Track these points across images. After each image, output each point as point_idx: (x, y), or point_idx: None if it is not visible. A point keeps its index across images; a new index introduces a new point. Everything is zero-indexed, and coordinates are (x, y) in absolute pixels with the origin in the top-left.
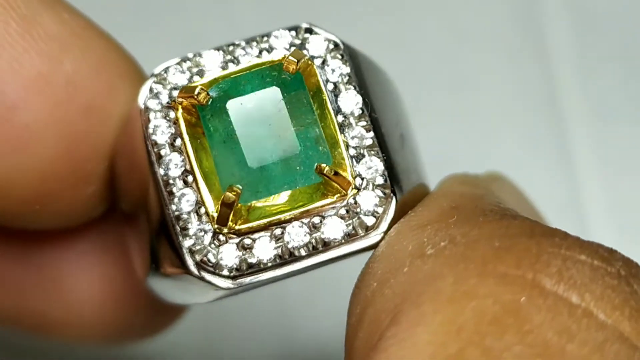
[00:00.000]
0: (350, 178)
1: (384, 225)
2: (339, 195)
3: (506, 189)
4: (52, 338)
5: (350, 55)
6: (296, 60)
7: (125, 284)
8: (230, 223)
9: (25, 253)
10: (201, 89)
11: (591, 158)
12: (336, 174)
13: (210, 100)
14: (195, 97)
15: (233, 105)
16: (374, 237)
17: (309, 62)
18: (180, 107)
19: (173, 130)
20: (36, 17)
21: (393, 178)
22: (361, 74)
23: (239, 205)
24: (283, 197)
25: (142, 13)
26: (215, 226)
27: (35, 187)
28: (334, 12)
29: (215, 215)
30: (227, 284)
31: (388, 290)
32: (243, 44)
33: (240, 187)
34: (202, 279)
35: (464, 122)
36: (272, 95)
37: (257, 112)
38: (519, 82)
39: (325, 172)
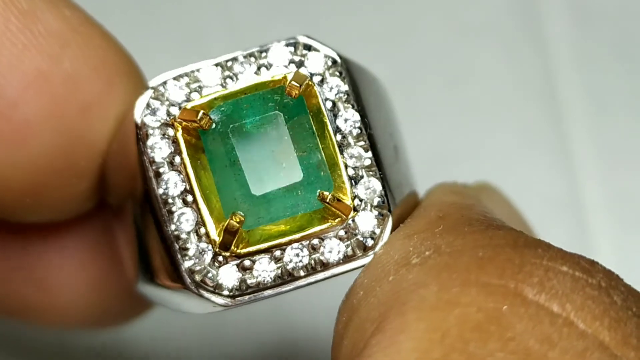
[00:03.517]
0: (349, 202)
1: (381, 244)
2: (339, 219)
3: (494, 198)
4: (31, 322)
5: (347, 70)
6: (299, 85)
7: (105, 272)
8: (232, 247)
9: (7, 238)
10: (204, 113)
11: (590, 152)
12: (338, 200)
13: (213, 124)
14: (198, 121)
15: (236, 131)
16: (371, 256)
17: (310, 83)
18: (180, 126)
19: (172, 149)
20: (37, 13)
21: (389, 196)
22: (359, 89)
23: (240, 230)
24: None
25: (141, 7)
26: (217, 249)
27: (30, 182)
28: (331, 7)
29: (217, 239)
30: (225, 301)
31: (373, 298)
32: (241, 58)
33: (243, 214)
34: (201, 296)
35: (461, 116)
36: (275, 120)
37: (260, 138)
38: (517, 76)
39: (327, 200)
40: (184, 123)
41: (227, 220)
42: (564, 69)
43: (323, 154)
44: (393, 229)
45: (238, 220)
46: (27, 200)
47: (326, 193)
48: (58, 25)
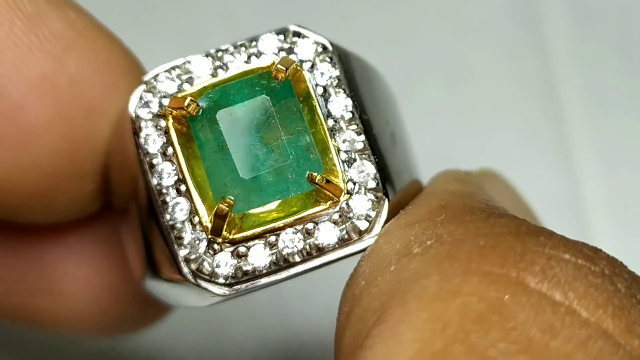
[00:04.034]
0: (341, 184)
1: (377, 228)
2: (331, 201)
3: (498, 186)
4: (43, 329)
5: (339, 56)
6: (285, 68)
7: (116, 277)
8: (224, 233)
9: (17, 245)
10: (191, 100)
11: (590, 152)
12: (327, 181)
13: (200, 110)
14: (185, 108)
15: (223, 116)
16: (367, 240)
17: (298, 67)
18: (170, 116)
19: (164, 140)
20: (42, 16)
21: (385, 180)
22: (351, 75)
23: (232, 215)
24: (276, 203)
25: (141, 7)
26: (210, 236)
27: (36, 184)
28: (331, 7)
29: (209, 225)
30: (223, 290)
31: (375, 288)
32: (231, 49)
33: (233, 198)
34: (199, 286)
35: (461, 115)
36: (261, 104)
37: (247, 122)
38: (517, 75)
39: (316, 180)
40: (174, 112)
41: (217, 205)
42: (563, 68)
43: (313, 137)
44: (392, 215)
45: (227, 204)
46: (33, 202)
47: (315, 174)
48: (62, 28)
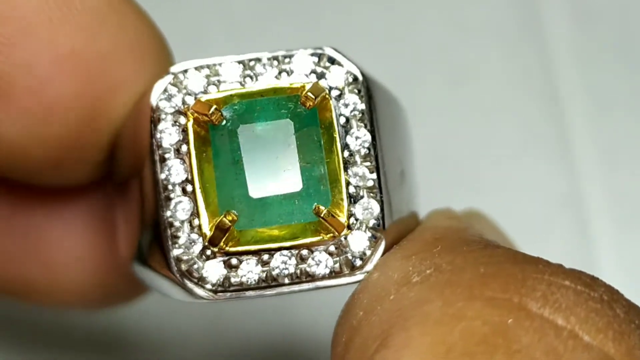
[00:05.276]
0: (344, 219)
1: (369, 266)
2: (331, 235)
3: (486, 224)
4: (35, 302)
5: (367, 89)
6: (314, 97)
7: (108, 251)
8: (221, 244)
9: (11, 217)
10: (215, 108)
11: (590, 152)
12: (332, 216)
13: (224, 120)
14: (209, 116)
15: (244, 131)
16: (358, 276)
17: (327, 96)
18: (192, 117)
19: (180, 137)
20: None
21: (386, 219)
22: (375, 110)
23: (232, 228)
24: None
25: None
26: (206, 243)
27: (54, 154)
28: (332, 5)
29: (209, 234)
30: (207, 294)
31: (375, 317)
32: (264, 60)
33: (237, 214)
34: (184, 286)
35: (461, 115)
36: (284, 128)
37: (266, 142)
38: (517, 74)
39: (322, 215)
40: (195, 114)
41: (220, 217)
42: (564, 68)
43: (327, 168)
44: (387, 249)
45: (231, 219)
46: (48, 169)
47: (322, 207)
48: (96, 1)
